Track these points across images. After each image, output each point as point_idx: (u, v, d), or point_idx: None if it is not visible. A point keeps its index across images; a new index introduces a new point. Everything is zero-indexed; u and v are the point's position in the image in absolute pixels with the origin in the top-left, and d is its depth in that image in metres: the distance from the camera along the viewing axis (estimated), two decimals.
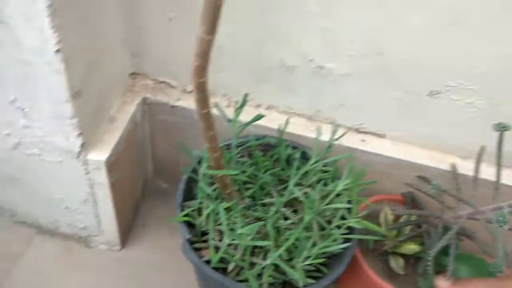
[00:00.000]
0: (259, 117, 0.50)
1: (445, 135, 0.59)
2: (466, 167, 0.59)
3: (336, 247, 0.47)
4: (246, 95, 0.49)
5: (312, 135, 0.59)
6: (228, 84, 0.60)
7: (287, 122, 0.55)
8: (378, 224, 0.58)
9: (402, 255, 0.57)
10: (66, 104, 0.45)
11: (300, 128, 0.61)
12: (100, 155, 0.52)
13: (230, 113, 0.52)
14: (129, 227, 0.70)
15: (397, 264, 0.56)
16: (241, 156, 0.56)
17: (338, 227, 0.49)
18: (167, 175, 0.74)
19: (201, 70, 0.34)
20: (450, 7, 0.45)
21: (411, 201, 0.61)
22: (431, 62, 0.50)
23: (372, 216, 0.60)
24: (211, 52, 0.32)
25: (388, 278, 0.55)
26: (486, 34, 0.47)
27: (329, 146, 0.54)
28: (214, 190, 0.50)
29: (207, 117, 0.38)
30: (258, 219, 0.50)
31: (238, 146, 0.53)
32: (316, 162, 0.53)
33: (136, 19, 0.55)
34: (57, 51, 0.40)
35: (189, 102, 0.60)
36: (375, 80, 0.54)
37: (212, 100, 0.59)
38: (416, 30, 0.48)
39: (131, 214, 0.70)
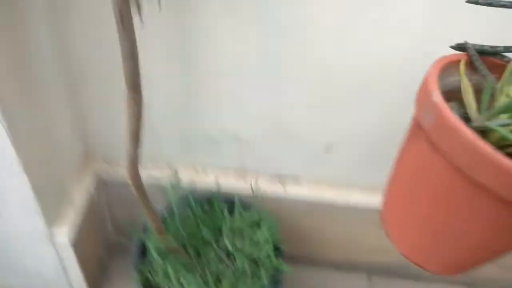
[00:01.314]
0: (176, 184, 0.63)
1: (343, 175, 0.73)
2: None
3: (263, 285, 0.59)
4: (177, 178, 0.61)
5: (242, 187, 0.72)
6: (167, 155, 0.72)
7: (218, 181, 0.68)
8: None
9: None
10: (31, 198, 0.56)
11: (231, 182, 0.74)
12: (64, 235, 0.63)
13: (173, 178, 0.64)
14: (98, 285, 0.80)
15: None
16: (185, 215, 0.68)
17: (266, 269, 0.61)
18: (126, 232, 0.85)
19: (134, 172, 0.46)
20: (328, 85, 0.60)
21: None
22: (318, 128, 0.65)
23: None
24: (137, 166, 0.45)
25: None
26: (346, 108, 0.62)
27: (254, 196, 0.67)
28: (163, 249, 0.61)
29: (145, 204, 0.50)
30: (202, 269, 0.62)
31: (180, 207, 0.66)
32: (241, 213, 0.66)
33: (83, 111, 0.66)
34: (19, 163, 0.51)
35: None
36: (283, 141, 0.68)
37: (156, 171, 0.72)
38: (303, 106, 0.62)
39: (98, 272, 0.80)
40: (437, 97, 0.30)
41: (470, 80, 0.35)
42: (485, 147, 0.27)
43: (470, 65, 0.36)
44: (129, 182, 0.48)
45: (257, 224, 0.66)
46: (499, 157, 0.26)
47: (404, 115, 0.48)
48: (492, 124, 0.30)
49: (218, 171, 0.74)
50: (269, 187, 0.73)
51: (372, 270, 0.90)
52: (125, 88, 0.38)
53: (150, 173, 0.72)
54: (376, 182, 0.72)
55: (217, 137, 0.68)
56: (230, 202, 0.68)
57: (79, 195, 0.68)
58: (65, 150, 0.65)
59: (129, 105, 0.40)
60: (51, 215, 0.61)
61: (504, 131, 0.28)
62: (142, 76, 0.38)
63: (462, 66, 0.35)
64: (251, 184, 0.70)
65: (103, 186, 0.74)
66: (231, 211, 0.67)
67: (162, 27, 0.53)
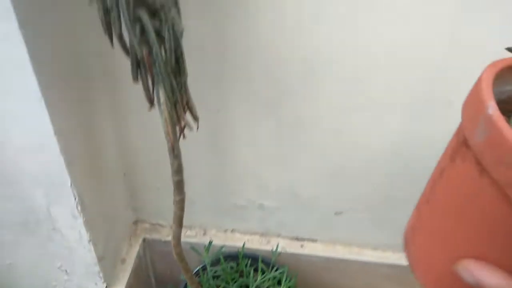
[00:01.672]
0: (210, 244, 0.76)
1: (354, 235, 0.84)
2: None
3: None
4: (210, 242, 0.74)
5: (266, 247, 0.84)
6: (201, 219, 0.86)
7: (244, 244, 0.80)
8: None
9: None
10: (95, 265, 0.70)
11: (256, 243, 0.86)
12: None
13: (206, 239, 0.78)
14: None
15: None
16: (216, 271, 0.80)
17: None
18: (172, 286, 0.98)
19: (177, 246, 0.59)
20: (331, 164, 0.72)
21: None
22: (327, 197, 0.77)
23: None
24: (180, 243, 0.58)
25: None
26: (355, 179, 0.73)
27: (275, 255, 0.79)
28: None
29: (185, 269, 0.63)
30: None
31: (213, 265, 0.78)
32: (264, 272, 0.78)
33: (135, 190, 0.81)
34: (89, 241, 0.65)
35: None
36: (297, 209, 0.80)
37: (191, 232, 0.85)
38: (318, 176, 0.75)
39: None
40: (493, 109, 0.24)
41: None
42: None
43: None
44: (174, 254, 0.61)
45: (278, 281, 0.77)
46: None
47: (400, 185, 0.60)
48: None
49: (245, 234, 0.86)
50: (289, 247, 0.85)
51: None
52: (173, 191, 0.52)
53: (187, 234, 0.86)
54: (383, 241, 0.83)
55: (244, 206, 0.81)
56: (255, 261, 0.80)
57: (130, 257, 0.82)
58: (120, 221, 0.80)
59: (175, 202, 0.53)
60: (108, 276, 0.75)
61: None
62: (184, 164, 0.51)
63: None
64: (273, 246, 0.82)
65: (148, 246, 0.87)
66: (256, 269, 0.79)
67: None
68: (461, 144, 0.27)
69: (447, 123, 0.40)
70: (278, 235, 0.87)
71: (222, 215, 0.84)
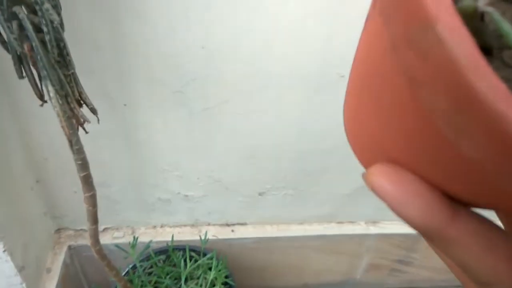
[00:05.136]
0: (135, 241, 0.76)
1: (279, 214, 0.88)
2: None
3: None
4: (135, 238, 0.74)
5: (197, 238, 0.85)
6: (127, 219, 0.85)
7: (172, 236, 0.81)
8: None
9: None
10: (15, 276, 0.67)
11: (188, 234, 0.87)
12: None
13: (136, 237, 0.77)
14: None
15: None
16: (151, 267, 0.80)
17: None
18: None
19: (96, 244, 0.59)
20: (245, 146, 0.75)
21: None
22: (248, 179, 0.79)
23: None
24: (98, 239, 0.57)
25: None
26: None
27: (203, 243, 0.81)
28: None
29: (109, 268, 0.63)
30: None
31: (143, 260, 0.78)
32: (196, 260, 0.79)
33: (52, 197, 0.78)
34: (3, 251, 0.62)
35: (102, 240, 0.84)
36: (222, 195, 0.82)
37: (119, 233, 0.84)
38: (235, 159, 0.77)
39: None
40: None
41: None
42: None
43: None
44: (93, 251, 0.60)
45: (209, 267, 0.79)
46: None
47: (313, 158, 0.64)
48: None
49: (174, 227, 0.87)
50: (220, 234, 0.86)
51: (324, 287, 1.03)
52: (82, 188, 0.52)
53: (114, 235, 0.85)
54: (308, 215, 0.87)
55: (169, 199, 0.82)
56: (186, 252, 0.81)
57: (56, 265, 0.79)
58: (39, 229, 0.77)
59: (85, 198, 0.53)
60: (33, 287, 0.72)
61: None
62: (97, 163, 0.51)
63: None
64: (201, 235, 0.83)
65: (75, 253, 0.85)
66: (188, 259, 0.80)
67: (108, 126, 0.67)
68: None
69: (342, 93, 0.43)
70: (208, 224, 0.88)
71: (149, 211, 0.84)
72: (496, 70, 0.10)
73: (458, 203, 0.13)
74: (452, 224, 0.11)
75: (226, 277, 0.77)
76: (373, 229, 0.92)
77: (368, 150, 0.17)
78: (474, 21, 0.11)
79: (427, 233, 0.11)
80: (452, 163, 0.12)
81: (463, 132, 0.11)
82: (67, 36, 0.42)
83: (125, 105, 0.64)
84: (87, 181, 0.51)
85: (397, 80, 0.12)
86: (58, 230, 0.85)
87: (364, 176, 0.13)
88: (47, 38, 0.40)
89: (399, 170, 0.12)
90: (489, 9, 0.11)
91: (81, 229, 0.85)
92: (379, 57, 0.14)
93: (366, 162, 0.17)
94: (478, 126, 0.10)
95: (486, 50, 0.11)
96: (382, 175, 0.12)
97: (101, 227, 0.85)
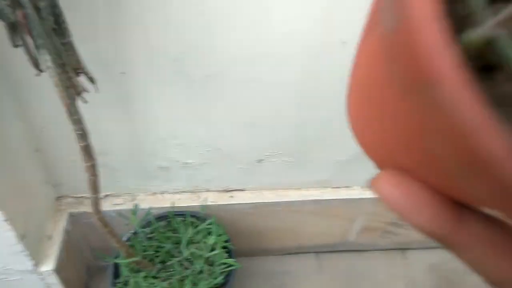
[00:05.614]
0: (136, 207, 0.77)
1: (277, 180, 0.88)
2: None
3: (219, 280, 0.74)
4: (136, 205, 0.75)
5: (197, 204, 0.86)
6: (127, 186, 0.85)
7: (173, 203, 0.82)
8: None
9: None
10: (17, 244, 0.68)
11: (187, 201, 0.88)
12: (48, 266, 0.75)
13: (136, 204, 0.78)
14: None
15: None
16: (151, 232, 0.82)
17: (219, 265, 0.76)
18: (103, 257, 0.97)
19: (97, 212, 0.59)
20: (244, 114, 0.74)
21: None
22: (247, 147, 0.80)
23: None
24: (99, 207, 0.58)
25: None
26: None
27: (203, 209, 0.82)
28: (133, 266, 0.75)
29: (111, 234, 0.64)
30: (168, 275, 0.76)
31: (144, 227, 0.79)
32: (196, 226, 0.80)
33: (51, 165, 0.78)
34: (5, 220, 0.63)
35: (103, 207, 0.85)
36: (221, 162, 0.82)
37: (119, 200, 0.85)
38: (234, 127, 0.77)
39: None
40: None
41: None
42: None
43: None
44: (95, 219, 0.61)
45: (208, 232, 0.80)
46: None
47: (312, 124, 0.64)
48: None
49: (174, 194, 0.88)
50: (219, 200, 0.87)
51: (318, 249, 1.06)
52: (83, 158, 0.51)
53: (114, 202, 0.85)
54: (305, 180, 0.88)
55: (168, 167, 0.82)
56: (186, 217, 0.82)
57: (57, 233, 0.80)
58: (40, 198, 0.77)
59: (86, 168, 0.53)
60: (35, 254, 0.73)
61: None
62: (96, 132, 0.51)
63: None
64: (201, 201, 0.84)
65: (76, 221, 0.86)
66: (188, 225, 0.81)
67: (106, 95, 0.66)
68: (372, 18, 0.15)
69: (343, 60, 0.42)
70: (207, 190, 0.89)
71: (148, 178, 0.84)
72: (503, 83, 0.10)
73: (464, 206, 0.12)
74: (458, 230, 0.11)
75: (226, 241, 0.79)
76: (368, 194, 0.93)
77: (373, 150, 0.16)
78: (481, 46, 0.10)
79: (436, 239, 0.12)
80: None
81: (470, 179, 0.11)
82: (62, 1, 0.40)
83: (123, 73, 0.63)
84: (88, 151, 0.51)
85: (400, 106, 0.12)
86: (59, 198, 0.85)
87: (371, 183, 0.13)
88: (41, 4, 0.38)
89: (406, 178, 0.12)
90: (498, 33, 0.10)
91: (81, 197, 0.85)
92: (380, 80, 0.13)
93: (373, 157, 0.17)
94: (489, 185, 0.10)
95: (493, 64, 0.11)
96: (391, 183, 0.12)
97: (102, 194, 0.86)
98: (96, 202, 0.58)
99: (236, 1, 0.56)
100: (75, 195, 0.85)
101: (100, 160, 0.55)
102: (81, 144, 0.50)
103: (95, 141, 0.52)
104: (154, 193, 0.88)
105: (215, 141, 0.78)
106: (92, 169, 0.53)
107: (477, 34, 0.10)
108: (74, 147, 0.72)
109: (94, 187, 0.56)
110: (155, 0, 0.55)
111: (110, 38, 0.59)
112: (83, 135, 0.49)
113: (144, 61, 0.62)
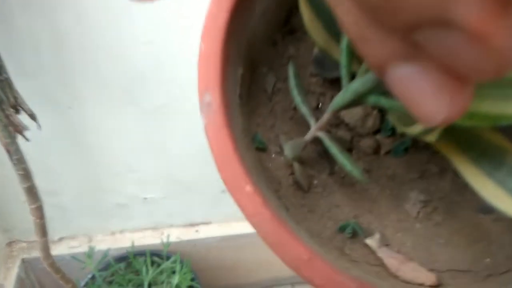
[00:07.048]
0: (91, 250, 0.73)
1: None
2: None
3: None
4: (91, 248, 0.71)
5: (159, 240, 0.82)
6: (83, 227, 0.81)
7: (133, 243, 0.78)
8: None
9: None
10: None
11: (149, 238, 0.84)
12: None
13: (92, 246, 0.73)
14: None
15: None
16: (111, 275, 0.77)
17: None
18: None
19: (46, 256, 0.55)
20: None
21: None
22: (208, 177, 0.77)
23: None
24: (48, 250, 0.54)
25: None
26: None
27: (166, 246, 0.78)
28: None
29: (62, 279, 0.59)
30: None
31: (102, 270, 0.75)
32: (159, 265, 0.76)
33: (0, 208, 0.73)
34: None
35: (58, 250, 0.80)
36: (183, 195, 0.80)
37: (75, 242, 0.80)
38: (193, 158, 0.75)
39: None
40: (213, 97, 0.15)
41: None
42: None
43: None
44: (46, 265, 0.57)
45: (173, 271, 0.76)
46: None
47: None
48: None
49: (135, 232, 0.84)
50: (184, 235, 0.84)
51: (295, 279, 1.03)
52: (27, 200, 0.48)
53: (70, 245, 0.80)
54: None
55: (127, 203, 0.78)
56: (148, 257, 0.78)
57: (9, 281, 0.74)
58: None
59: (31, 210, 0.49)
60: None
61: None
62: (46, 170, 0.48)
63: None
64: (164, 238, 0.80)
65: (30, 266, 0.80)
66: (150, 265, 0.77)
67: (55, 130, 0.63)
68: None
69: None
70: (170, 226, 0.85)
71: (106, 217, 0.80)
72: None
73: None
74: None
75: (192, 280, 0.75)
76: None
77: None
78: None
79: None
80: None
81: None
82: (1, 38, 0.38)
83: (70, 107, 0.61)
84: (31, 192, 0.48)
85: None
86: (10, 243, 0.79)
87: None
88: None
89: None
90: (321, 134, 0.14)
91: (34, 241, 0.80)
92: None
93: None
94: None
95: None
96: None
97: (56, 237, 0.81)
98: (45, 247, 0.54)
99: (185, 29, 0.56)
100: (27, 240, 0.80)
101: (50, 200, 0.52)
102: (24, 186, 0.47)
103: (43, 180, 0.49)
104: (113, 233, 0.84)
105: (174, 173, 0.75)
106: (38, 212, 0.50)
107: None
108: (21, 188, 0.68)
109: (42, 230, 0.52)
110: (100, 30, 0.53)
111: (55, 72, 0.56)
112: (25, 175, 0.46)
113: (91, 94, 0.60)
